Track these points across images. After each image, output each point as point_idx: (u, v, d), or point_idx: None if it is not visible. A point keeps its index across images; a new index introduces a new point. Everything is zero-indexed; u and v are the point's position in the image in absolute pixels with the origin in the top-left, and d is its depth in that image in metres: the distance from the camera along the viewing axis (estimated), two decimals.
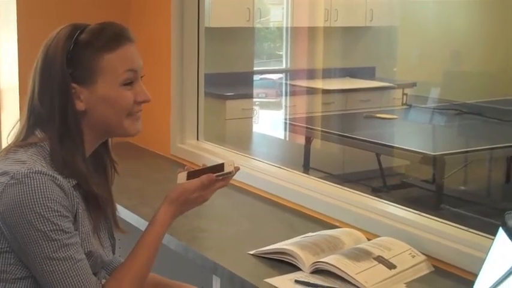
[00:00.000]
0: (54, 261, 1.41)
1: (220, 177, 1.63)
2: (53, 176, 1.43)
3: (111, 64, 1.51)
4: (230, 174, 1.64)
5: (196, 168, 1.70)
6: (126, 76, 1.52)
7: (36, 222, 1.39)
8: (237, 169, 1.65)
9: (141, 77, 1.58)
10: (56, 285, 1.42)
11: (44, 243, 1.40)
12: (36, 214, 1.39)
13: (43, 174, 1.42)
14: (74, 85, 1.50)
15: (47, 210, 1.40)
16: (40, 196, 1.40)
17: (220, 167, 1.65)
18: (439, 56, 5.71)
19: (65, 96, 1.49)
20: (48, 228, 1.40)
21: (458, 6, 5.74)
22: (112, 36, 1.51)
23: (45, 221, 1.40)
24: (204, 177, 1.61)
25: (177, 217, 1.64)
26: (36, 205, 1.39)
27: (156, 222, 1.60)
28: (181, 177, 1.65)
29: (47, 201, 1.40)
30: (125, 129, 1.56)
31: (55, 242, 1.41)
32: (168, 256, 1.61)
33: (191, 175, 1.65)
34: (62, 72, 1.49)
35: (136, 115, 1.57)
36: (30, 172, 1.41)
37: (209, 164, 1.72)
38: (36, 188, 1.40)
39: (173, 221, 1.63)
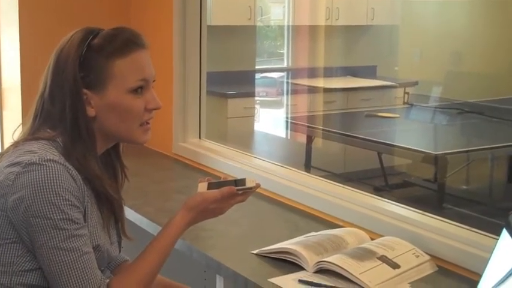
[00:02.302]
0: (60, 251, 1.40)
1: (241, 192, 1.62)
2: (65, 165, 1.43)
3: (121, 70, 1.50)
4: (251, 189, 1.63)
5: (218, 179, 1.69)
6: (136, 84, 1.52)
7: (46, 210, 1.38)
8: (257, 185, 1.64)
9: (153, 81, 1.57)
10: (59, 275, 1.40)
11: (52, 231, 1.39)
12: (47, 201, 1.38)
13: (55, 162, 1.41)
14: (85, 91, 1.49)
15: (57, 198, 1.39)
16: (52, 183, 1.39)
17: (241, 181, 1.64)
18: (440, 55, 5.71)
19: (76, 101, 1.49)
20: (58, 217, 1.39)
21: (460, 5, 5.74)
22: (124, 42, 1.51)
23: (55, 208, 1.39)
24: (225, 189, 1.60)
25: (192, 225, 1.62)
26: (48, 192, 1.38)
27: (171, 227, 1.58)
28: (202, 186, 1.65)
29: (59, 189, 1.39)
30: (135, 138, 1.56)
31: (63, 232, 1.40)
32: (172, 255, 1.61)
33: (212, 186, 1.64)
34: (74, 75, 1.48)
35: (147, 125, 1.56)
36: (41, 160, 1.41)
37: (230, 178, 1.72)
38: (48, 175, 1.39)
39: (188, 228, 1.61)
